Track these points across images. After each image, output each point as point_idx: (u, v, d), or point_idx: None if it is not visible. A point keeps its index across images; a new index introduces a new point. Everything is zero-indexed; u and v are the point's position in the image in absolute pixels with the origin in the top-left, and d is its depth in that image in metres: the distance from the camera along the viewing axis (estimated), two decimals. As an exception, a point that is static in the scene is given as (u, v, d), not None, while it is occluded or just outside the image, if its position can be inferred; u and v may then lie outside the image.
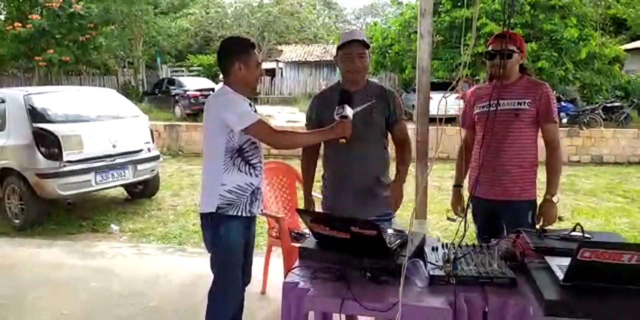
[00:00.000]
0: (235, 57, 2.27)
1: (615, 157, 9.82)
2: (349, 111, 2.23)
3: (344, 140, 2.24)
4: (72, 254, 4.35)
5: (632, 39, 20.27)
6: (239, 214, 2.30)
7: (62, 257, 4.28)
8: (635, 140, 9.83)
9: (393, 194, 2.49)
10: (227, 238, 2.30)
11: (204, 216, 2.34)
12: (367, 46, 2.38)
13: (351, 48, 2.36)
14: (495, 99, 2.35)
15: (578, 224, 2.03)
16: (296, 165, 3.39)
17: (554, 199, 2.41)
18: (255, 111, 2.33)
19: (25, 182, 5.04)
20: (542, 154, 2.48)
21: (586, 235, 1.98)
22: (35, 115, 5.08)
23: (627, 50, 18.29)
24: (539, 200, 2.48)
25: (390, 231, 2.05)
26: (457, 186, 2.75)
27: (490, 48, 2.44)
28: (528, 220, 2.43)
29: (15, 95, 5.30)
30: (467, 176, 2.69)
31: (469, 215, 2.55)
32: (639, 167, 9.42)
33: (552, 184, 2.43)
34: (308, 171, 2.68)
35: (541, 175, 2.48)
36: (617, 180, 8.05)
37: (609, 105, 13.69)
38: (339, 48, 2.41)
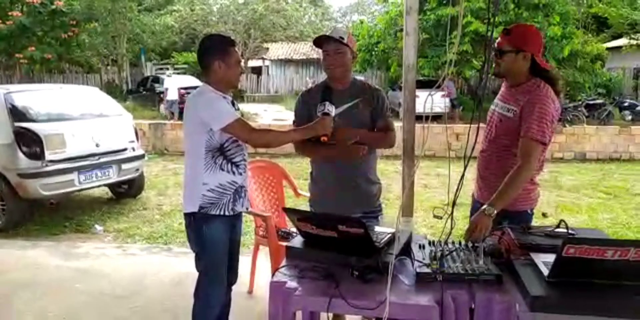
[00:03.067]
0: (214, 55, 2.26)
1: (598, 154, 9.97)
2: (330, 108, 2.23)
3: (325, 138, 2.23)
4: (56, 255, 4.28)
5: (614, 37, 20.61)
6: (222, 213, 2.30)
7: (45, 258, 4.21)
8: (616, 137, 10.00)
9: (349, 132, 2.35)
10: (211, 237, 2.29)
11: (187, 216, 2.34)
12: (343, 42, 2.35)
13: (326, 45, 2.38)
14: (499, 101, 2.32)
15: (562, 220, 2.05)
16: (283, 163, 3.39)
17: (490, 211, 2.04)
18: (238, 109, 2.32)
19: (6, 183, 4.93)
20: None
21: (570, 231, 2.00)
22: (16, 114, 4.97)
23: (608, 49, 18.61)
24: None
25: (377, 229, 2.06)
26: None
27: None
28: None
29: (-5, 93, 5.19)
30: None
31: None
32: (621, 163, 9.58)
33: (498, 196, 2.08)
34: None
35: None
36: (600, 176, 8.17)
37: (591, 102, 13.91)
38: (317, 46, 2.44)
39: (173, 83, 14.90)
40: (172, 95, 14.58)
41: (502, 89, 2.41)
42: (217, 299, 2.37)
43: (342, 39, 2.35)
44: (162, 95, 15.41)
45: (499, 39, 2.24)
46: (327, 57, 2.40)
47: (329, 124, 2.22)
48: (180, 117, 13.42)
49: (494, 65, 2.29)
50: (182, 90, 14.59)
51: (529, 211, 2.34)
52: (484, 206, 2.08)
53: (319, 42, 2.42)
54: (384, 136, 2.50)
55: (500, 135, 2.30)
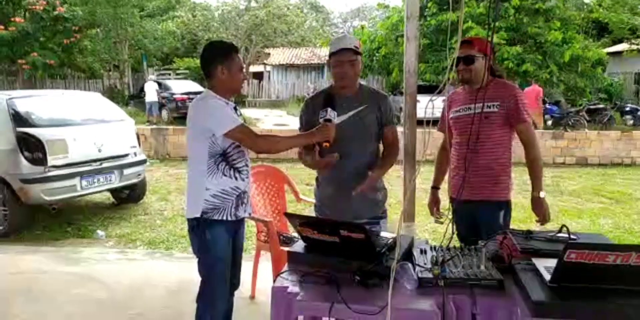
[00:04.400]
0: (217, 61, 2.27)
1: (600, 159, 9.97)
2: (333, 114, 2.23)
3: (327, 144, 2.23)
4: (57, 260, 4.28)
5: (614, 42, 20.66)
6: (225, 218, 2.30)
7: (46, 263, 4.21)
8: (618, 142, 10.00)
9: (367, 182, 2.35)
10: (213, 242, 2.29)
11: (189, 221, 2.34)
12: (358, 53, 2.38)
13: (342, 55, 2.37)
14: (472, 104, 2.43)
15: (564, 225, 2.05)
16: (285, 169, 3.40)
17: (541, 195, 2.43)
18: (240, 115, 2.34)
19: (8, 188, 4.95)
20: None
21: (572, 236, 2.00)
22: (18, 119, 5.00)
23: (609, 54, 18.65)
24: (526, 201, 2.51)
25: (379, 234, 2.06)
26: (434, 188, 2.84)
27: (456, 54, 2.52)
28: (500, 221, 2.46)
29: (-2, 99, 5.21)
30: (447, 178, 2.74)
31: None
32: (623, 168, 9.57)
33: (534, 181, 2.45)
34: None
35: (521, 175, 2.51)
36: (601, 181, 8.17)
37: (592, 107, 13.89)
38: (330, 55, 2.42)
39: (150, 85, 15.01)
40: (151, 97, 14.65)
41: (459, 95, 2.61)
42: (219, 304, 2.36)
43: (357, 48, 2.36)
44: (163, 101, 15.47)
45: (461, 50, 2.47)
46: (340, 67, 2.38)
47: (330, 131, 2.22)
48: (184, 121, 13.45)
49: (460, 74, 2.54)
50: (183, 96, 14.65)
51: (511, 199, 2.56)
52: (540, 193, 2.43)
53: (333, 52, 2.40)
54: (390, 161, 2.51)
55: (490, 132, 2.45)
